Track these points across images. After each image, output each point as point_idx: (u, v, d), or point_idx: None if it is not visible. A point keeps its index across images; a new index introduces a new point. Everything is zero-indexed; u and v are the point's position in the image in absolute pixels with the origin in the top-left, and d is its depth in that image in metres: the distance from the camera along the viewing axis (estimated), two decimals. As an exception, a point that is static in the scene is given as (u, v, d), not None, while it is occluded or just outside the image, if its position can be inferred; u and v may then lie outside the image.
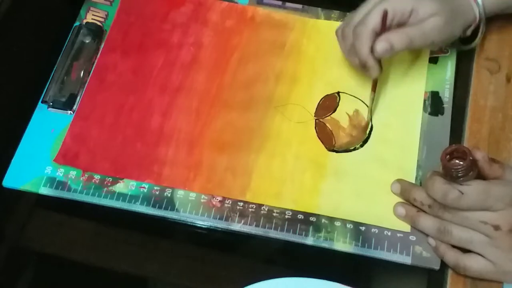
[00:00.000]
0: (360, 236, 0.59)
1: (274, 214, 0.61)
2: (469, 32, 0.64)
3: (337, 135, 0.64)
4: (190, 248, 0.63)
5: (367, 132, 0.64)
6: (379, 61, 0.61)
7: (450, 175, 0.54)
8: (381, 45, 0.58)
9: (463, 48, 0.67)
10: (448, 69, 0.67)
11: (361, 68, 0.62)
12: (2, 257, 0.63)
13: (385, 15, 0.59)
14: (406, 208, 0.59)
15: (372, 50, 0.59)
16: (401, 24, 0.60)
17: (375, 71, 0.61)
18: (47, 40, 0.72)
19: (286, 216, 0.61)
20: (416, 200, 0.58)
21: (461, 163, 0.53)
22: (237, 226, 0.60)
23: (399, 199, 0.60)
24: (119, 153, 0.64)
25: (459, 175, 0.53)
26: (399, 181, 0.61)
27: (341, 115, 0.66)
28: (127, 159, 0.64)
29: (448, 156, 0.54)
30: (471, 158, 0.53)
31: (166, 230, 0.63)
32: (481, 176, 0.55)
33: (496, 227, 0.53)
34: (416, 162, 0.63)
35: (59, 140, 0.65)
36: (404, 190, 0.60)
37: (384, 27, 0.59)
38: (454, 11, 0.60)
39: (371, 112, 0.65)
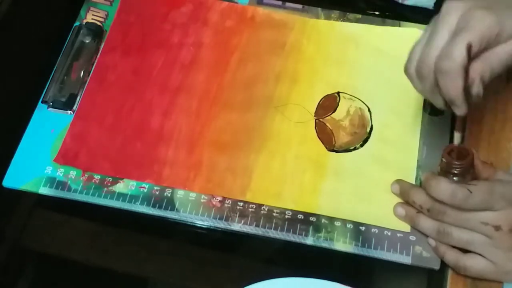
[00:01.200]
0: (360, 236, 0.59)
1: (274, 214, 0.61)
2: None
3: (337, 135, 0.64)
4: (190, 248, 0.63)
5: (368, 131, 0.64)
6: (467, 100, 0.52)
7: (451, 174, 0.54)
8: (477, 90, 0.51)
9: None
10: (448, 69, 0.67)
11: (446, 106, 0.54)
12: (2, 257, 0.63)
13: (469, 48, 0.50)
14: (405, 208, 0.59)
15: (465, 89, 0.51)
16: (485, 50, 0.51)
17: (462, 110, 0.52)
18: (47, 40, 0.72)
19: (286, 216, 0.61)
20: (415, 203, 0.58)
21: (462, 162, 0.53)
22: (237, 226, 0.60)
23: (399, 199, 0.60)
24: (119, 153, 0.64)
25: (460, 173, 0.53)
26: (399, 182, 0.61)
27: (341, 115, 0.66)
28: (127, 159, 0.64)
29: (448, 155, 0.54)
30: (471, 157, 0.53)
31: (166, 230, 0.63)
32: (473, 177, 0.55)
33: (497, 228, 0.53)
34: (416, 162, 0.63)
35: (59, 140, 0.65)
36: (403, 191, 0.60)
37: (469, 61, 0.50)
38: None
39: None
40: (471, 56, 0.50)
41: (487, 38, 0.50)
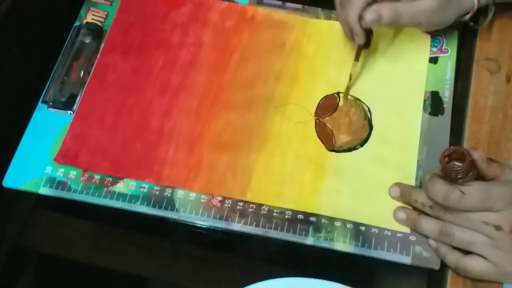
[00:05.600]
0: (360, 236, 0.59)
1: (274, 214, 0.61)
2: (467, 18, 0.64)
3: (337, 135, 0.64)
4: (190, 248, 0.63)
5: (368, 129, 0.64)
6: (364, 31, 0.62)
7: (450, 177, 0.54)
8: (369, 15, 0.60)
9: (471, 26, 0.67)
10: (448, 69, 0.67)
11: (350, 37, 0.64)
12: (2, 257, 0.63)
13: None
14: (406, 212, 0.59)
15: (360, 18, 0.61)
16: (394, 0, 0.61)
17: (360, 39, 0.63)
18: (47, 40, 0.72)
19: (286, 216, 0.61)
20: (417, 202, 0.58)
21: (461, 164, 0.53)
22: (237, 226, 0.60)
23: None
24: (119, 153, 0.64)
25: (459, 176, 0.53)
26: (398, 184, 0.61)
27: (341, 115, 0.66)
28: (127, 159, 0.64)
29: (447, 158, 0.54)
30: (470, 159, 0.53)
31: (166, 230, 0.63)
32: (480, 176, 0.55)
33: (498, 228, 0.53)
34: (416, 162, 0.63)
35: (59, 140, 0.65)
36: (404, 193, 0.60)
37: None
38: None
39: (350, 79, 0.66)
40: None
41: None
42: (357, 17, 0.61)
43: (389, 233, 0.59)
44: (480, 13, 0.64)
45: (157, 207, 0.61)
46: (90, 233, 0.64)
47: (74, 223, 0.64)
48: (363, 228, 0.60)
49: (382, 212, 0.60)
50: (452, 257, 0.56)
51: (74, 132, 0.65)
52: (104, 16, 0.72)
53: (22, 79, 0.70)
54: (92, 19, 0.72)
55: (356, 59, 0.65)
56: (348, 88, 0.66)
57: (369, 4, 0.60)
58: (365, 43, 0.64)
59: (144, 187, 0.62)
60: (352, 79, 0.66)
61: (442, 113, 0.65)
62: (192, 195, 0.62)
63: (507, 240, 0.53)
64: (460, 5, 0.62)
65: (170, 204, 0.62)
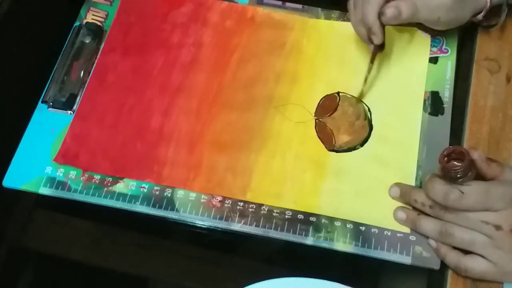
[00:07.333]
0: (360, 236, 0.59)
1: (274, 214, 0.61)
2: (480, 17, 0.64)
3: (337, 135, 0.64)
4: (190, 248, 0.63)
5: (368, 129, 0.64)
6: (383, 29, 0.62)
7: (449, 177, 0.54)
8: (390, 11, 0.60)
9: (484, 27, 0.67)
10: (448, 69, 0.67)
11: (367, 38, 0.64)
12: (2, 257, 0.63)
13: None
14: (406, 212, 0.59)
15: (379, 15, 0.61)
16: None
17: (378, 38, 0.63)
18: (47, 40, 0.72)
19: (286, 216, 0.61)
20: (417, 202, 0.58)
21: (460, 164, 0.53)
22: (237, 226, 0.60)
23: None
24: (119, 153, 0.64)
25: (458, 176, 0.53)
26: (398, 184, 0.61)
27: (341, 115, 0.66)
28: (127, 158, 0.64)
29: (446, 158, 0.54)
30: (469, 158, 0.53)
31: (166, 230, 0.63)
32: (480, 176, 0.55)
33: (498, 227, 0.53)
34: (416, 162, 0.63)
35: (59, 140, 0.65)
36: (404, 192, 0.60)
37: None
38: None
39: (366, 82, 0.66)
40: None
41: None
42: (377, 15, 0.61)
43: (389, 233, 0.59)
44: (491, 14, 0.64)
45: (157, 207, 0.61)
46: (90, 233, 0.64)
47: (74, 223, 0.64)
48: (363, 228, 0.60)
49: (382, 212, 0.60)
50: (452, 257, 0.56)
51: (74, 132, 0.65)
52: (104, 16, 0.72)
53: (22, 79, 0.70)
54: (92, 19, 0.72)
55: (372, 61, 0.65)
56: (363, 92, 0.66)
57: (387, 1, 0.61)
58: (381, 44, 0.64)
59: (144, 187, 0.62)
60: (367, 82, 0.66)
61: (442, 113, 0.65)
62: (192, 195, 0.62)
63: (507, 240, 0.53)
64: (474, 2, 0.63)
65: (170, 204, 0.62)
